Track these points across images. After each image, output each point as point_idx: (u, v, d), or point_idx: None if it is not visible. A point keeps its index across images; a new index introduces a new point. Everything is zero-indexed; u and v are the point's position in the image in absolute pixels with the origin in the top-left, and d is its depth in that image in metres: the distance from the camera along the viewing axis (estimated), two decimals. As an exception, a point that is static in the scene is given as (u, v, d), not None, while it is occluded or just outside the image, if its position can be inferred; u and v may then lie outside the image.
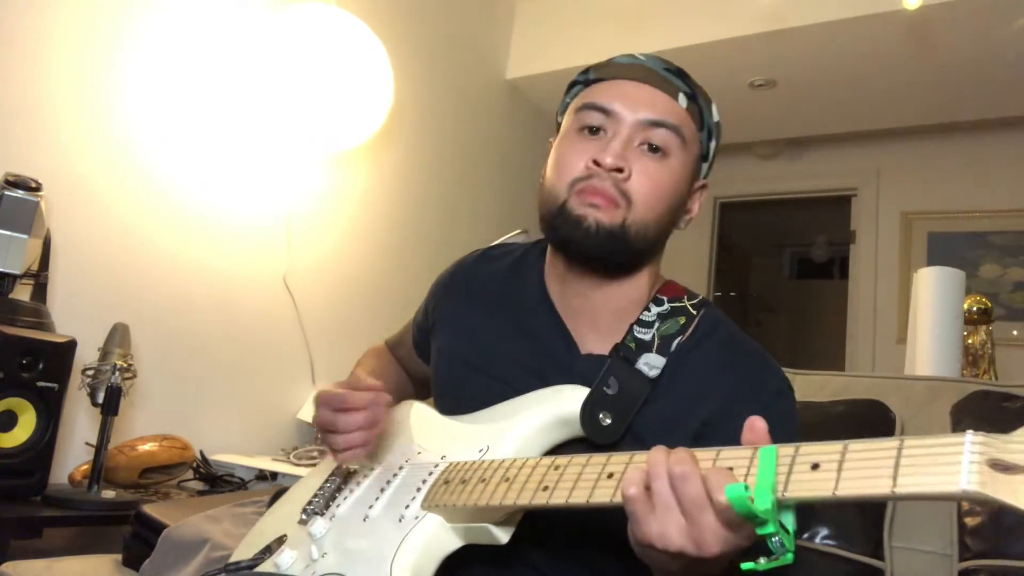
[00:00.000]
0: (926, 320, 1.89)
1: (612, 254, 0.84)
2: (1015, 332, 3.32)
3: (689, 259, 4.15)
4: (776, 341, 5.73)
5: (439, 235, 2.77)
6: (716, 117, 0.91)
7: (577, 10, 3.04)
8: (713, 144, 0.91)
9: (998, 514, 1.14)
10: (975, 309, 2.20)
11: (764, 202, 4.42)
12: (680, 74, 0.88)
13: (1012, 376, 2.23)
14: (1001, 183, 3.43)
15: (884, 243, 3.69)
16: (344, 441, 0.82)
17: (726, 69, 2.91)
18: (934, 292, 1.90)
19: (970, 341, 2.19)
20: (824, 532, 1.24)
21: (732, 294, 5.62)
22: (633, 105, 0.84)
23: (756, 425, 0.58)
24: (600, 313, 0.89)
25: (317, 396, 0.86)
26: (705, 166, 0.92)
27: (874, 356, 3.59)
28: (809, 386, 1.49)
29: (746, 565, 0.54)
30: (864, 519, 1.25)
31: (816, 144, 3.88)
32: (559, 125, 0.94)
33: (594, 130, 0.85)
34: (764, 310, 5.96)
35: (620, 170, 0.82)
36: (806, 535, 1.25)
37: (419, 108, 2.67)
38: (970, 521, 1.17)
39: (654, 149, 0.84)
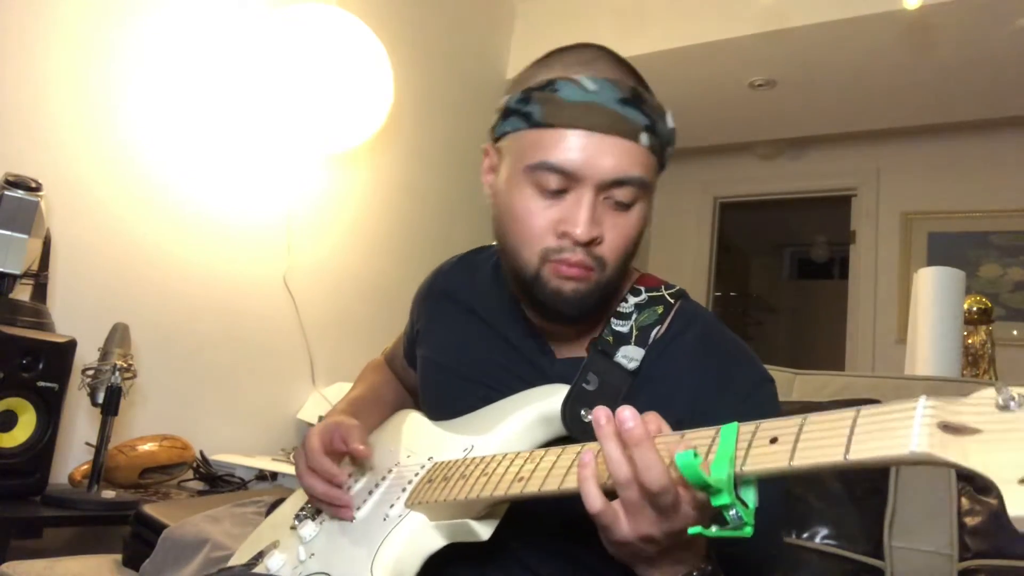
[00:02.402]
0: (926, 320, 1.89)
1: (587, 311, 0.82)
2: (1015, 332, 3.32)
3: (689, 259, 4.15)
4: (776, 341, 5.74)
5: (439, 235, 2.77)
6: (671, 124, 0.83)
7: (577, 10, 3.04)
8: (670, 150, 0.84)
9: (998, 514, 1.14)
10: (975, 309, 2.20)
11: (764, 202, 4.42)
12: (635, 101, 0.78)
13: (1012, 376, 2.22)
14: (1001, 183, 3.43)
15: (884, 243, 3.69)
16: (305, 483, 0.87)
17: (726, 69, 2.92)
18: (934, 292, 1.90)
19: (970, 341, 2.19)
20: (824, 532, 1.24)
21: (732, 294, 5.62)
22: (594, 164, 0.76)
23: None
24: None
25: (305, 435, 0.89)
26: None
27: (874, 356, 3.59)
28: (809, 386, 1.49)
29: (693, 530, 0.55)
30: (864, 519, 1.25)
31: (816, 144, 3.88)
32: (495, 137, 0.88)
33: (555, 191, 0.78)
34: (764, 310, 5.96)
35: (593, 240, 0.78)
36: (806, 535, 1.25)
37: (419, 108, 2.67)
38: (970, 521, 1.17)
39: (620, 204, 0.79)
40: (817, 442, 0.49)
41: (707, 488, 0.52)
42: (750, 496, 0.53)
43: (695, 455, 0.52)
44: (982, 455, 0.41)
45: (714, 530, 0.53)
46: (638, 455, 0.57)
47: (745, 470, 0.52)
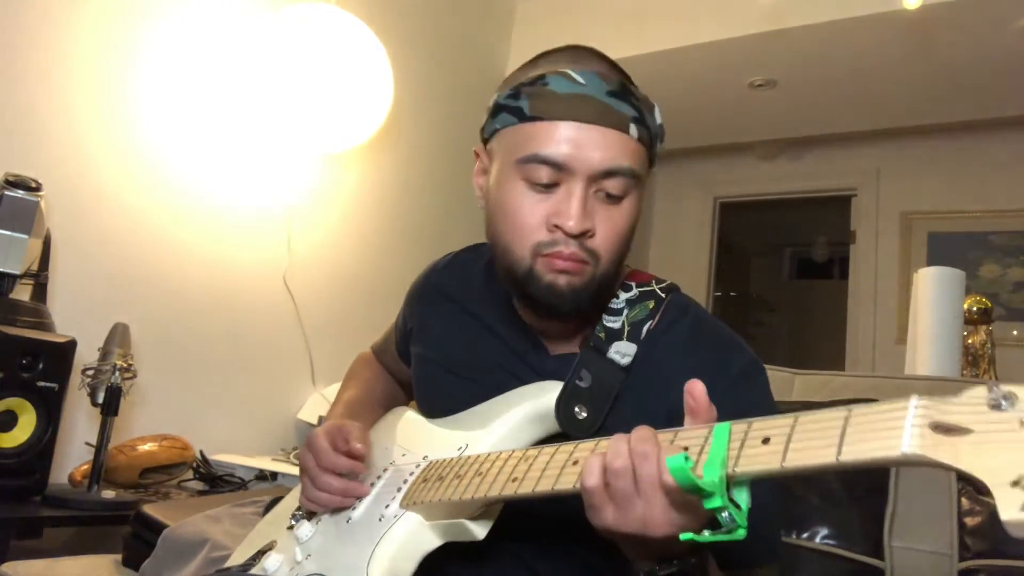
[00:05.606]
0: (926, 320, 1.89)
1: (583, 306, 0.82)
2: (1015, 332, 3.32)
3: (689, 259, 4.15)
4: (776, 341, 5.73)
5: (439, 234, 2.77)
6: (659, 120, 0.83)
7: (577, 10, 3.04)
8: (659, 146, 0.84)
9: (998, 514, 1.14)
10: (975, 309, 2.20)
11: (764, 202, 4.42)
12: (623, 93, 0.79)
13: (1012, 376, 2.22)
14: (1001, 183, 3.43)
15: (884, 243, 3.68)
16: (314, 495, 0.86)
17: (726, 69, 2.92)
18: (934, 292, 1.90)
19: (970, 341, 2.19)
20: (824, 532, 1.24)
21: (732, 294, 5.62)
22: (585, 156, 0.76)
23: (695, 389, 0.59)
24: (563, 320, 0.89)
25: (308, 437, 0.88)
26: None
27: (874, 356, 3.59)
28: (809, 386, 1.49)
29: (685, 536, 0.54)
30: (864, 519, 1.25)
31: (816, 144, 3.88)
32: (485, 140, 0.87)
33: (546, 185, 0.78)
34: (764, 310, 5.96)
35: (585, 232, 0.78)
36: (806, 535, 1.25)
37: (419, 108, 2.67)
38: (970, 521, 1.17)
39: (612, 196, 0.79)
40: (809, 443, 0.48)
41: (699, 492, 0.51)
42: (743, 497, 0.52)
43: (686, 459, 0.51)
44: (973, 456, 0.41)
45: (707, 535, 0.53)
46: (636, 435, 0.58)
47: (737, 471, 0.51)
